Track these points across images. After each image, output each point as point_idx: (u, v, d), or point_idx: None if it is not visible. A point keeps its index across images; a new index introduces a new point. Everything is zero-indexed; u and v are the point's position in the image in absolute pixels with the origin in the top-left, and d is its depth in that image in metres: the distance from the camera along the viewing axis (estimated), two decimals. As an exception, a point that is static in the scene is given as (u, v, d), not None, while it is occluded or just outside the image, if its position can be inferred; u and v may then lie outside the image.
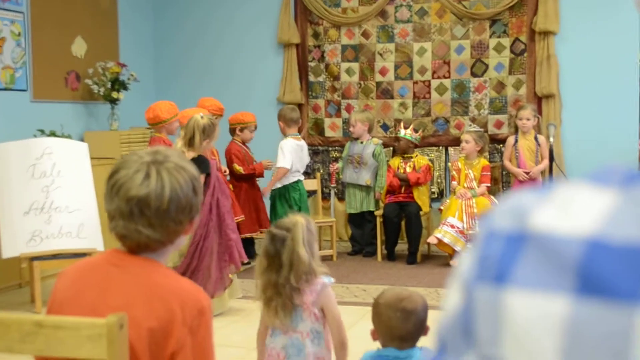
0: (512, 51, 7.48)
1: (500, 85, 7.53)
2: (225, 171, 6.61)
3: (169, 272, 1.82)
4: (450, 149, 7.65)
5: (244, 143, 7.01)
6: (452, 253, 6.43)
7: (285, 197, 6.79)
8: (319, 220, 7.03)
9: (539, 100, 7.35)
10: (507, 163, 6.91)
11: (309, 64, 8.06)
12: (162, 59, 8.56)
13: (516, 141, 6.82)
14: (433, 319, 1.34)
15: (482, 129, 7.16)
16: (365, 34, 7.86)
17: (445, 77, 7.67)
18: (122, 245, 1.80)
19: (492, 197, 6.74)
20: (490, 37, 7.52)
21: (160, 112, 5.80)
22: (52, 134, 6.41)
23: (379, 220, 6.99)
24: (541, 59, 7.30)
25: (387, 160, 7.21)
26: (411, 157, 7.04)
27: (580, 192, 0.57)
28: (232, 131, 7.03)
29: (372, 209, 7.14)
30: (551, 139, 6.40)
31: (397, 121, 7.68)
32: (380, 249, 6.99)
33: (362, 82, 7.90)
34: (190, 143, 5.05)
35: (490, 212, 0.62)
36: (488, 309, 0.57)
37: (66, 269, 1.87)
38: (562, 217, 0.56)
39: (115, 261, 1.79)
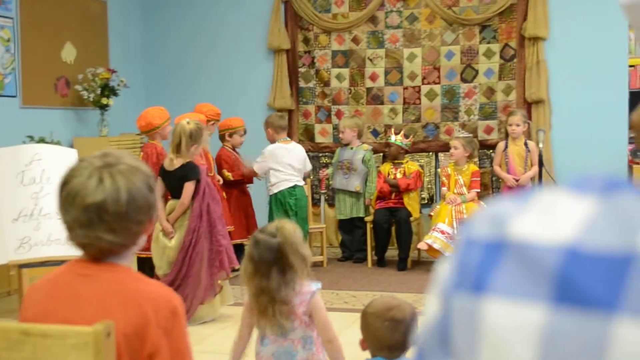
0: (501, 57, 7.50)
1: (490, 91, 7.55)
2: (219, 180, 6.57)
3: (137, 276, 1.79)
4: (441, 155, 7.64)
5: (234, 148, 6.99)
6: (442, 259, 6.42)
7: (282, 202, 6.73)
8: (310, 227, 7.01)
9: (528, 106, 7.36)
10: (496, 169, 6.91)
11: (299, 69, 8.05)
12: (151, 65, 8.54)
13: (506, 147, 6.83)
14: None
15: (471, 135, 7.17)
16: (355, 40, 7.86)
17: (435, 83, 7.67)
18: (84, 254, 1.75)
19: (481, 202, 6.75)
20: (480, 42, 7.54)
21: (152, 118, 5.77)
22: (42, 140, 6.38)
23: (369, 227, 6.99)
24: (531, 64, 7.33)
25: (377, 166, 7.20)
26: (402, 163, 7.04)
27: (560, 200, 0.57)
28: (222, 137, 7.01)
29: (362, 215, 7.13)
30: (540, 145, 6.41)
31: (388, 127, 7.67)
32: (370, 255, 6.99)
33: (352, 88, 7.89)
34: (177, 149, 5.02)
35: (470, 219, 0.61)
36: (465, 317, 0.57)
37: (36, 283, 1.84)
38: (541, 225, 0.56)
39: (82, 271, 1.74)
